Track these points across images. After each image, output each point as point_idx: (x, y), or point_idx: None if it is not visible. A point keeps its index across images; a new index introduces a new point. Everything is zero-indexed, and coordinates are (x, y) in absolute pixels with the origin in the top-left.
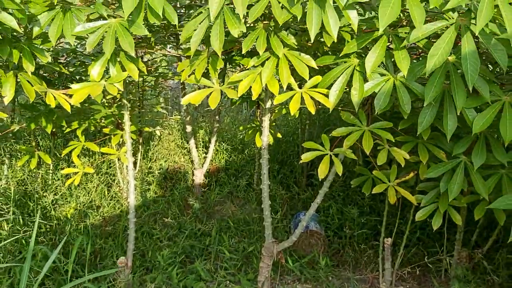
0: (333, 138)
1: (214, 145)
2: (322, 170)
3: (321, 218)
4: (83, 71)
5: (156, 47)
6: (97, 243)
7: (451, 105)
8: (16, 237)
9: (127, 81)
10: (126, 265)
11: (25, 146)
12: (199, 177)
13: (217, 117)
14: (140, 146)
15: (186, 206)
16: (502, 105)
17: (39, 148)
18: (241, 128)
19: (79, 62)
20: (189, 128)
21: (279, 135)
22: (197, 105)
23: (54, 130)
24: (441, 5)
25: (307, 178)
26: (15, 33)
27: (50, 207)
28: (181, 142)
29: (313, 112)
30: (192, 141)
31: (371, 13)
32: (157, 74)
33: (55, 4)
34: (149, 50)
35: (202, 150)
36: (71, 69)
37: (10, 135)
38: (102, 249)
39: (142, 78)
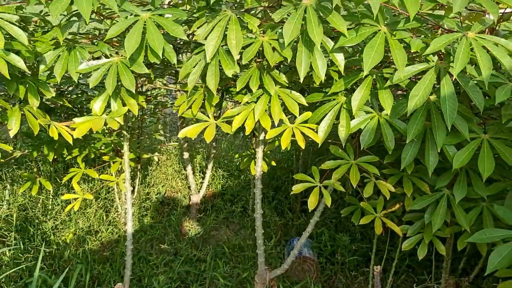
0: (323, 169)
1: (211, 171)
2: (312, 202)
3: (314, 244)
4: (85, 100)
5: (157, 81)
6: (95, 268)
7: (433, 142)
8: (20, 267)
9: (127, 114)
10: None
11: (27, 173)
12: (195, 202)
13: (213, 143)
14: (138, 172)
15: (182, 231)
16: (480, 142)
17: (40, 173)
18: (236, 156)
19: (81, 92)
20: (186, 155)
21: (273, 163)
22: None
23: (55, 157)
24: (421, 49)
25: (301, 204)
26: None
27: (50, 232)
28: (179, 167)
29: (302, 147)
30: (189, 167)
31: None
32: (156, 102)
33: (61, 43)
34: (149, 84)
35: (199, 175)
36: (73, 97)
37: (12, 161)
38: (100, 275)
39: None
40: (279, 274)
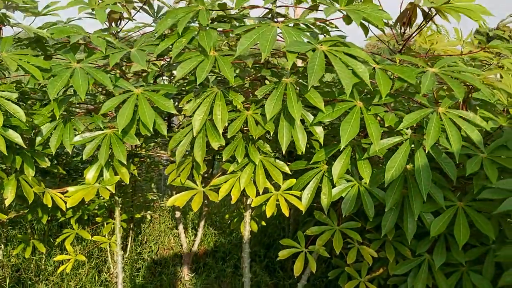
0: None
1: (203, 229)
2: (297, 267)
3: None
4: (79, 162)
5: (149, 150)
6: None
7: (410, 209)
8: None
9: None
10: None
11: (21, 234)
12: (187, 261)
13: (205, 201)
14: (130, 231)
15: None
16: (456, 210)
17: (33, 233)
18: (226, 216)
19: (75, 153)
20: (178, 214)
21: (263, 223)
22: None
23: (49, 218)
24: (395, 123)
25: (292, 263)
26: None
27: None
28: (171, 224)
29: (286, 214)
30: (181, 226)
31: None
32: (150, 161)
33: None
34: (140, 151)
35: (192, 232)
36: (68, 159)
37: (7, 221)
38: None
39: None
40: None
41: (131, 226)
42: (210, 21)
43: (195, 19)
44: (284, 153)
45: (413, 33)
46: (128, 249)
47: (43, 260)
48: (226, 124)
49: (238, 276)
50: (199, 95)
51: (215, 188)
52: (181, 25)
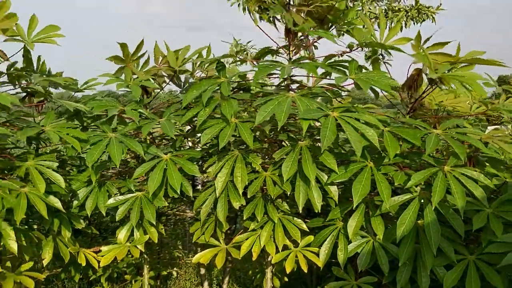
0: None
1: (227, 285)
2: None
3: None
4: (110, 222)
5: (174, 208)
6: None
7: (423, 263)
8: None
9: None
10: None
11: None
12: None
13: (229, 257)
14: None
15: None
16: (467, 263)
17: None
18: (250, 272)
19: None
20: (202, 271)
21: (286, 279)
22: None
23: (81, 276)
24: (404, 182)
25: None
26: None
27: None
28: (196, 281)
29: (305, 270)
30: (206, 284)
31: None
32: (176, 219)
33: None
34: (168, 211)
35: None
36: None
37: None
38: None
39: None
40: None
41: (158, 283)
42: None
43: (217, 88)
44: (300, 211)
45: (420, 96)
46: None
47: None
48: (247, 183)
49: None
50: (220, 158)
51: (237, 245)
52: (205, 97)
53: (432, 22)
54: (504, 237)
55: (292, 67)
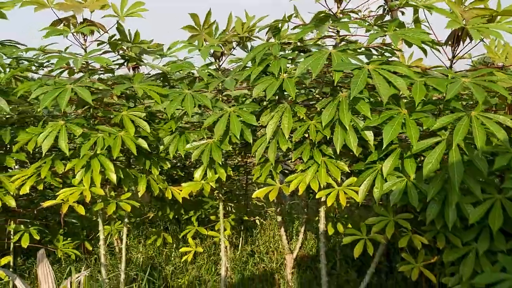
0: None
1: (303, 234)
2: (357, 251)
3: None
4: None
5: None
6: None
7: (448, 200)
8: None
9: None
10: None
11: (155, 229)
12: (289, 261)
13: (305, 209)
14: (241, 232)
15: (276, 284)
16: (494, 201)
17: (167, 231)
18: (316, 218)
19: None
20: (279, 218)
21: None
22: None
23: (176, 217)
24: (432, 126)
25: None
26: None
27: (169, 277)
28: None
29: (343, 204)
30: (282, 230)
31: None
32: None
33: (174, 130)
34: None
35: (296, 238)
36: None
37: (147, 221)
38: None
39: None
40: None
41: (242, 228)
42: (280, 52)
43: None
44: (338, 152)
45: (461, 51)
46: (240, 247)
47: (173, 252)
48: (291, 129)
49: (334, 277)
50: (272, 109)
51: (288, 184)
52: (258, 57)
53: None
54: None
55: (331, 26)
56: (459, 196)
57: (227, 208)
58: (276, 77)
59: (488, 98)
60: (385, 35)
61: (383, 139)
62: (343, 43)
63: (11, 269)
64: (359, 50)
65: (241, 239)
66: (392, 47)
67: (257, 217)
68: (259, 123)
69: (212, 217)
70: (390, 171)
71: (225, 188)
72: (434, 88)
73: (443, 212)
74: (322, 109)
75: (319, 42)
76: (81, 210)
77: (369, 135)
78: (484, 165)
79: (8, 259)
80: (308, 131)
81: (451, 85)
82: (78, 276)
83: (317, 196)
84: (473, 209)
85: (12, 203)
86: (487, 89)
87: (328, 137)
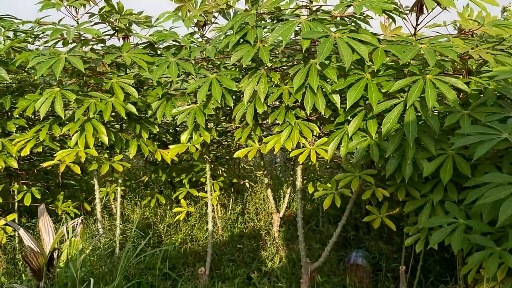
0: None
1: (289, 195)
2: (326, 203)
3: (367, 254)
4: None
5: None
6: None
7: (405, 155)
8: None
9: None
10: (204, 273)
11: (149, 191)
12: (276, 220)
13: (291, 172)
14: (231, 194)
15: (263, 240)
16: (446, 157)
17: (162, 193)
18: (309, 185)
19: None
20: (266, 180)
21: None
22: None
23: (170, 180)
24: (390, 88)
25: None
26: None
27: (163, 234)
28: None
29: (314, 162)
30: (269, 191)
31: None
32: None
33: (161, 96)
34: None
35: (283, 199)
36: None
37: (142, 185)
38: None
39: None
40: (317, 266)
41: (232, 191)
42: (256, 21)
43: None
44: (308, 113)
45: (425, 17)
46: (230, 207)
47: (167, 212)
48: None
49: (317, 233)
50: (250, 75)
51: (266, 144)
52: (235, 26)
53: None
54: (469, 128)
55: None
56: (414, 151)
57: (218, 172)
58: (252, 45)
59: (441, 62)
60: (351, 5)
61: (347, 101)
62: (319, 13)
63: None
64: (335, 20)
65: (231, 200)
66: (365, 16)
67: (247, 180)
68: (239, 88)
69: (203, 179)
70: (355, 131)
71: (214, 153)
72: (393, 54)
73: (401, 167)
74: (294, 75)
75: (297, 12)
76: (77, 169)
77: (336, 98)
78: (435, 122)
79: (14, 216)
80: (282, 95)
81: (407, 51)
82: (73, 222)
83: (290, 155)
84: (428, 163)
85: (14, 164)
86: (440, 53)
87: (300, 101)
